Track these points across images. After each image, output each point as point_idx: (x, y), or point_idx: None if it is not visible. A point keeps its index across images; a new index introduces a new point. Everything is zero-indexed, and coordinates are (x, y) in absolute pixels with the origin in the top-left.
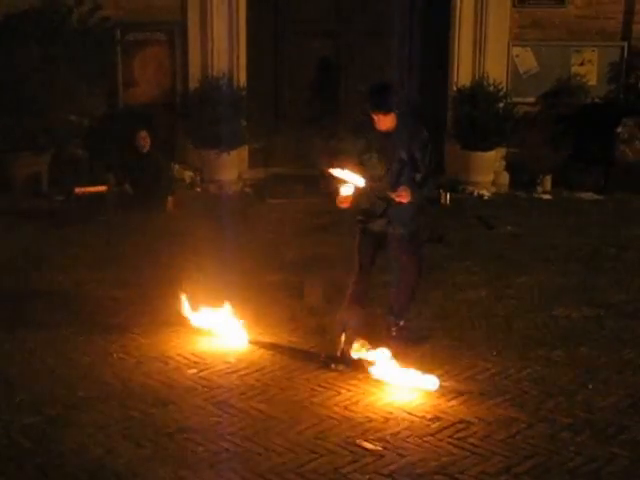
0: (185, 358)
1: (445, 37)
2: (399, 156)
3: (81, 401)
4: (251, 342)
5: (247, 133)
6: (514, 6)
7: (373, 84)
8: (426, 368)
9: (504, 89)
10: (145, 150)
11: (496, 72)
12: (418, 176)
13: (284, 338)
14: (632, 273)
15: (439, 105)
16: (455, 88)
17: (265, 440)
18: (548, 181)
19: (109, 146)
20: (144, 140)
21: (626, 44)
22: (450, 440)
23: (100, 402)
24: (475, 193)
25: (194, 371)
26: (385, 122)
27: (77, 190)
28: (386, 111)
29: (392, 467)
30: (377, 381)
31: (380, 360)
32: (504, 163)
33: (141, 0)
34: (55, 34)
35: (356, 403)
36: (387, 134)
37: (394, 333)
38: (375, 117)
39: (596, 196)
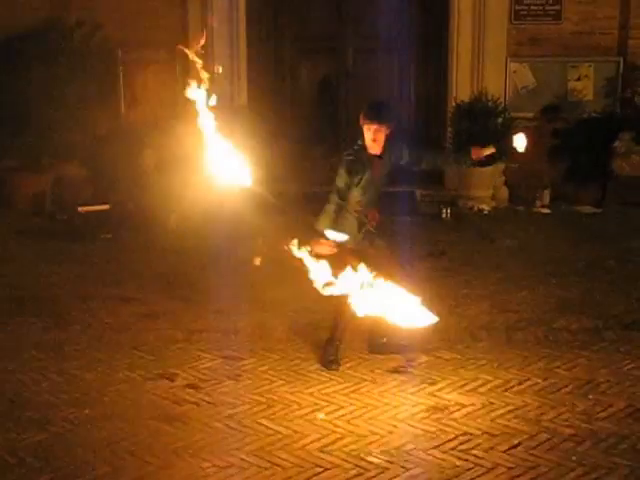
0: (191, 375)
1: (444, 53)
2: (381, 178)
3: (87, 418)
4: (255, 356)
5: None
6: (511, 22)
7: (371, 100)
8: (428, 381)
9: (502, 104)
10: (150, 169)
11: (494, 88)
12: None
13: (289, 353)
14: (631, 285)
15: (438, 120)
16: (454, 103)
17: (270, 455)
18: (547, 195)
19: (112, 164)
20: (149, 159)
21: (622, 59)
22: (454, 453)
23: (106, 419)
24: (475, 208)
25: (200, 387)
26: (378, 135)
27: (81, 209)
28: (381, 122)
29: None
30: (380, 394)
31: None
32: (503, 178)
33: (143, 20)
34: (57, 54)
35: (359, 417)
36: (373, 156)
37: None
38: (368, 129)
39: (594, 210)
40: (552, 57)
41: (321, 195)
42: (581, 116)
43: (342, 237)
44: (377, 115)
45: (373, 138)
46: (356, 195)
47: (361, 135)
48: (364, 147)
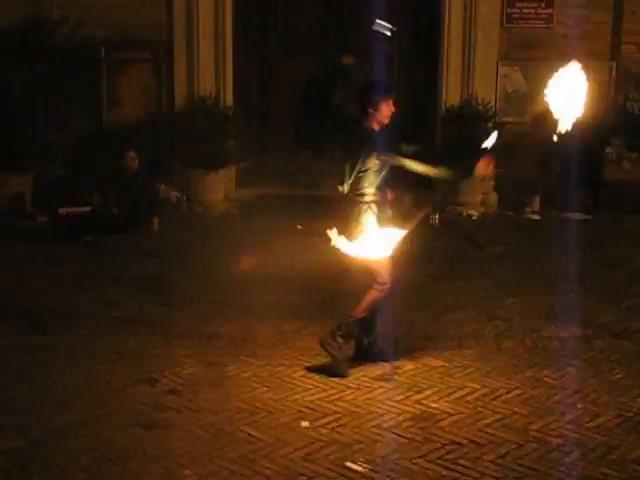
0: (172, 381)
1: (434, 56)
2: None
3: (66, 425)
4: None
5: (234, 153)
6: (502, 26)
7: (369, 80)
8: (414, 389)
9: (493, 109)
10: (133, 171)
11: (485, 92)
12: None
13: (273, 359)
14: (621, 293)
15: (427, 124)
16: (444, 107)
17: (253, 463)
18: (537, 201)
19: (94, 166)
20: (132, 161)
21: (614, 64)
22: (440, 462)
23: (85, 425)
24: (464, 213)
25: (181, 393)
26: (392, 108)
27: (61, 211)
28: (394, 94)
29: None
30: (365, 402)
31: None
32: (493, 183)
33: (127, 18)
34: (39, 53)
35: (344, 425)
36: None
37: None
38: (388, 104)
39: (585, 216)
40: (544, 61)
41: (305, 198)
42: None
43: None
44: (391, 87)
45: (389, 113)
46: (374, 180)
47: (375, 119)
48: (370, 127)
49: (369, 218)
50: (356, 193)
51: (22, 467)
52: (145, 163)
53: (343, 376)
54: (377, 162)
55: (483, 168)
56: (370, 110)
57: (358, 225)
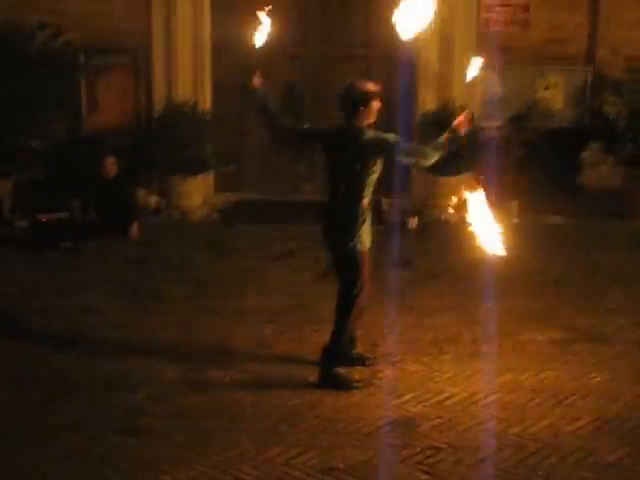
0: (151, 386)
1: (411, 61)
2: None
3: (46, 430)
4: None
5: (212, 158)
6: (479, 30)
7: (351, 83)
8: (394, 394)
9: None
10: (111, 176)
11: (462, 96)
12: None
13: (254, 364)
14: (598, 297)
15: (406, 129)
16: (421, 112)
17: (233, 468)
18: (515, 205)
19: (73, 171)
20: (111, 167)
21: (591, 68)
22: (420, 467)
23: (65, 431)
24: (442, 218)
25: (162, 399)
26: (380, 105)
27: (40, 217)
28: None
29: None
30: (344, 407)
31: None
32: None
33: (105, 24)
34: (17, 58)
35: (323, 430)
36: None
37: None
38: (377, 103)
39: (563, 220)
40: (521, 65)
41: (284, 203)
42: (550, 126)
43: None
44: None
45: (380, 108)
46: (373, 183)
47: (366, 118)
48: (361, 126)
49: (367, 222)
50: (354, 196)
51: (1, 471)
52: (123, 168)
53: (353, 387)
54: (380, 163)
55: (462, 121)
56: (361, 108)
57: (360, 230)
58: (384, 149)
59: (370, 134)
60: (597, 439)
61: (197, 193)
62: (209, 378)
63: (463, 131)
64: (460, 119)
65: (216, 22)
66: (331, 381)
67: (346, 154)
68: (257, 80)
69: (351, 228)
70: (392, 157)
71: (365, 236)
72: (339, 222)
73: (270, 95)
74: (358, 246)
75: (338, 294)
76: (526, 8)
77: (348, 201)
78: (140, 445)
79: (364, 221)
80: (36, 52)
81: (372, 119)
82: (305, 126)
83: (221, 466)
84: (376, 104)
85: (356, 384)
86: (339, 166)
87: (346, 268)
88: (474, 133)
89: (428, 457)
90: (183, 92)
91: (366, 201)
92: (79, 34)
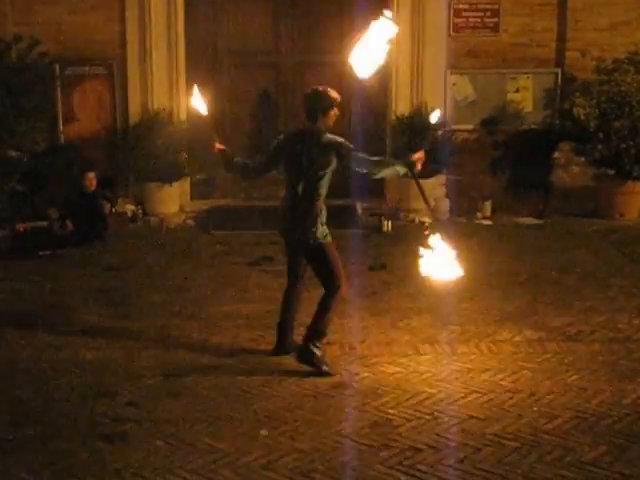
0: (131, 393)
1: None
2: None
3: (27, 438)
4: (196, 373)
5: (188, 166)
6: (449, 35)
7: (314, 89)
8: (372, 396)
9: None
10: (91, 190)
11: (434, 100)
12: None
13: (231, 369)
14: (573, 296)
15: (378, 134)
16: (394, 117)
17: (213, 473)
18: (488, 207)
19: (50, 181)
20: (91, 181)
21: (560, 70)
22: (399, 467)
23: (46, 439)
24: (416, 220)
25: (141, 405)
26: (337, 113)
27: (19, 226)
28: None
29: None
30: (323, 410)
31: None
32: (444, 190)
33: (80, 35)
34: None
35: (303, 433)
36: None
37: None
38: (334, 111)
39: (535, 221)
40: (491, 69)
41: (259, 209)
42: (521, 127)
43: None
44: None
45: (337, 116)
46: (328, 183)
47: (324, 122)
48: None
49: (323, 221)
50: (312, 195)
51: None
52: (100, 177)
53: (329, 372)
54: (335, 163)
55: (418, 155)
56: (320, 115)
57: (320, 224)
58: (341, 152)
59: (329, 136)
60: (575, 437)
61: (173, 200)
62: (188, 383)
63: (419, 167)
64: (420, 155)
65: (191, 31)
66: (312, 359)
67: (306, 154)
68: (218, 147)
69: (311, 223)
70: (347, 161)
71: (325, 229)
72: (300, 218)
73: (230, 152)
74: (319, 234)
75: (324, 286)
76: (495, 12)
77: (306, 199)
78: (120, 451)
79: (322, 219)
80: (12, 64)
81: (330, 125)
82: (262, 159)
83: (201, 471)
84: (335, 111)
85: (332, 370)
86: (299, 166)
87: (318, 260)
88: (448, 136)
89: (407, 458)
90: (158, 101)
91: (321, 200)
92: (54, 45)
